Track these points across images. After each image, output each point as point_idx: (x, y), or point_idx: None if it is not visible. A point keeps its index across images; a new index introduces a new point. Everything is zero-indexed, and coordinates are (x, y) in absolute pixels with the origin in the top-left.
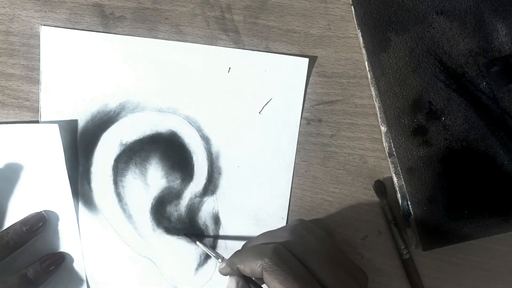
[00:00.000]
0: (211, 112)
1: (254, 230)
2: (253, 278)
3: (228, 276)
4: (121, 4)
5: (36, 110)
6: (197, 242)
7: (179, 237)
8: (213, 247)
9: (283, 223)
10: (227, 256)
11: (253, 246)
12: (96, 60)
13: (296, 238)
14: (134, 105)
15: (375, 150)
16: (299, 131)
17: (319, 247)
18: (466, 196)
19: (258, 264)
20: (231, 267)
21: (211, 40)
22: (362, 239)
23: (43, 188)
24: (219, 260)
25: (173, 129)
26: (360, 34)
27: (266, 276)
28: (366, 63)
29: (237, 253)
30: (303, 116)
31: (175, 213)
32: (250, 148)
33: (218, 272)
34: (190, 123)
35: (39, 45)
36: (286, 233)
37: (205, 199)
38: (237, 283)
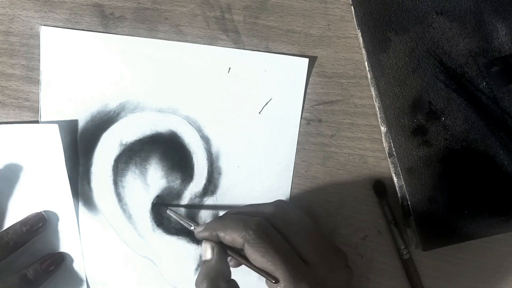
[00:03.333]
0: (211, 112)
1: None
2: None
3: (203, 241)
4: (121, 4)
5: (36, 110)
6: (168, 211)
7: (179, 237)
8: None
9: None
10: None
11: (236, 216)
12: (96, 60)
13: (279, 213)
14: (134, 105)
15: (375, 150)
16: (299, 131)
17: (301, 223)
18: (466, 196)
19: (241, 235)
20: (210, 232)
21: (211, 40)
22: (362, 239)
23: (43, 188)
24: (192, 227)
25: (173, 129)
26: (360, 34)
27: (247, 248)
28: (366, 63)
29: (218, 219)
30: (303, 116)
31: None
32: (250, 148)
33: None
34: (190, 123)
35: (39, 45)
36: (271, 207)
37: (205, 199)
38: (212, 249)
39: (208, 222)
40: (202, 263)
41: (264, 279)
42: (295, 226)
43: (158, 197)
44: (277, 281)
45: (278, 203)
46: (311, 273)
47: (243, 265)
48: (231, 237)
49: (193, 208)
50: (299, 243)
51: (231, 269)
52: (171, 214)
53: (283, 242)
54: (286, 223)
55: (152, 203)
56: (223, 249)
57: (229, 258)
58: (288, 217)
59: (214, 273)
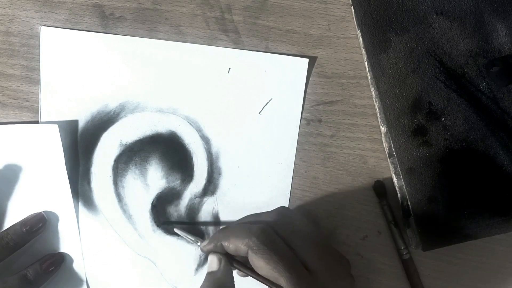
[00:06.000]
0: (211, 112)
1: None
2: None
3: (210, 254)
4: (121, 5)
5: (36, 110)
6: (175, 229)
7: (179, 237)
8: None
9: None
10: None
11: (239, 224)
12: (96, 61)
13: (283, 220)
14: (134, 106)
15: (375, 151)
16: (299, 132)
17: (305, 231)
18: (466, 196)
19: (244, 243)
20: (215, 243)
21: (211, 41)
22: (362, 239)
23: (43, 189)
24: (198, 243)
25: (173, 129)
26: (360, 35)
27: (251, 255)
28: (366, 63)
29: (221, 230)
30: (303, 117)
31: (175, 214)
32: (250, 148)
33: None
34: (190, 123)
35: (39, 45)
36: (273, 215)
37: (205, 199)
38: (220, 260)
39: (212, 235)
40: (206, 275)
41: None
42: (299, 234)
43: (158, 198)
44: None
45: (281, 210)
46: (314, 282)
47: (246, 278)
48: (235, 245)
49: (198, 225)
50: (302, 251)
51: (239, 278)
52: (178, 232)
53: (287, 249)
54: (289, 230)
55: (160, 223)
56: (229, 261)
57: (236, 270)
58: (291, 224)
59: (219, 284)
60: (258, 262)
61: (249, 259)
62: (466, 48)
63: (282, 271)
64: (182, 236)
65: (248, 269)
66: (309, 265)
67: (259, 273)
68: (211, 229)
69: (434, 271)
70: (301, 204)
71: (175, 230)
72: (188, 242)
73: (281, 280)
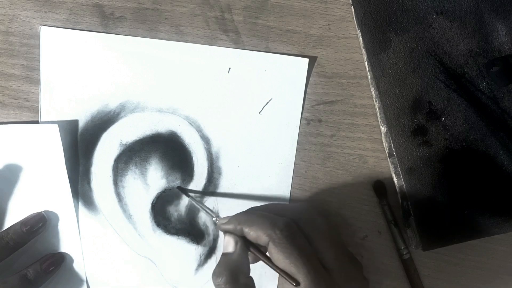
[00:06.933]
0: (211, 112)
1: None
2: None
3: (225, 234)
4: (121, 5)
5: (36, 110)
6: (189, 198)
7: (179, 237)
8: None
9: None
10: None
11: (263, 213)
12: (96, 60)
13: (306, 216)
14: (134, 105)
15: (375, 150)
16: (299, 131)
17: (325, 230)
18: (466, 196)
19: (267, 234)
20: (234, 225)
21: (211, 40)
22: (362, 239)
23: (43, 188)
24: (214, 218)
25: (173, 129)
26: (360, 35)
27: (272, 247)
28: (366, 63)
29: (243, 214)
30: (303, 116)
31: (175, 213)
32: (250, 148)
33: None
34: (190, 123)
35: (39, 45)
36: (298, 210)
37: (205, 199)
38: (236, 243)
39: (233, 215)
40: (222, 256)
41: (271, 279)
42: (320, 232)
43: (158, 198)
44: (297, 284)
45: (305, 206)
46: (331, 280)
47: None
48: (257, 234)
49: (212, 196)
50: (322, 249)
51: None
52: (192, 202)
53: (308, 246)
54: (311, 227)
55: (169, 189)
56: (246, 245)
57: None
58: (313, 222)
59: (235, 266)
60: (277, 254)
61: (269, 250)
62: (466, 48)
63: (301, 267)
64: (183, 237)
65: (265, 257)
66: (327, 264)
67: (278, 265)
68: (211, 229)
69: (434, 271)
70: (298, 199)
71: (189, 199)
72: (189, 242)
73: (299, 276)
